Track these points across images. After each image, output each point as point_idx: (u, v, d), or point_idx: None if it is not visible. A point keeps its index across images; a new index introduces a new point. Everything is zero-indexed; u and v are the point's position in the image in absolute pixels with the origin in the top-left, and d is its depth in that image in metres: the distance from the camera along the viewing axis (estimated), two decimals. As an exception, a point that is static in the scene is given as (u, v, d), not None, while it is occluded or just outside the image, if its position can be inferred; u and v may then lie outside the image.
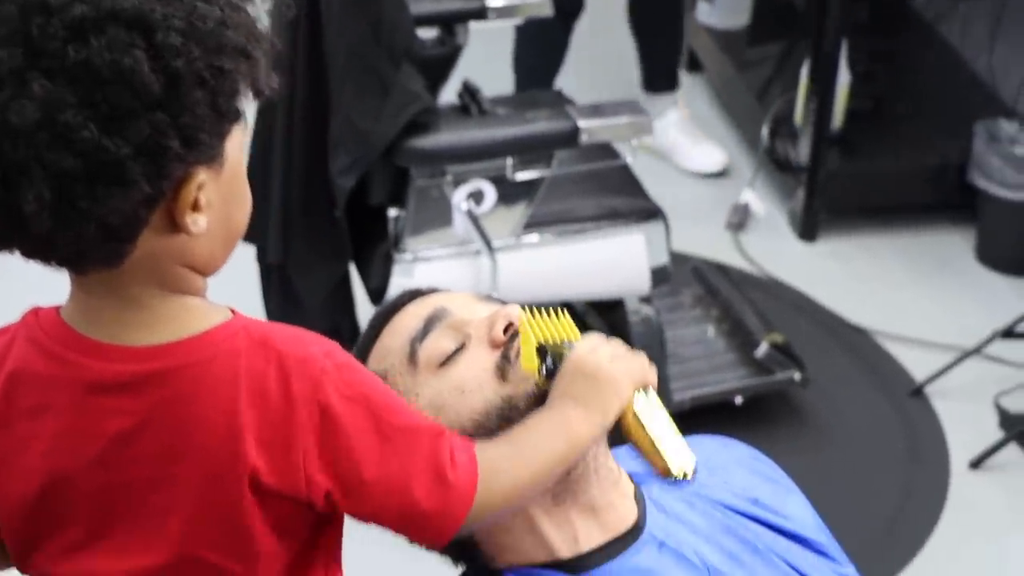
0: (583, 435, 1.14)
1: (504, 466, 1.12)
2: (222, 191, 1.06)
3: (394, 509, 1.08)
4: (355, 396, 1.07)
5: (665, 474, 1.16)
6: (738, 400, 2.99)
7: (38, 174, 0.97)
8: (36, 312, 1.11)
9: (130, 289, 1.05)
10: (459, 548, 1.30)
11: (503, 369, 1.25)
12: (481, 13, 2.90)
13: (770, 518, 1.33)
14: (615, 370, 1.16)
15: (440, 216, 2.71)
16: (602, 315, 3.06)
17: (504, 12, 2.91)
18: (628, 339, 2.93)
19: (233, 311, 1.11)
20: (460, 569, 1.31)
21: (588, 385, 1.15)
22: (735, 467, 1.38)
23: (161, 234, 1.04)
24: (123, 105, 0.97)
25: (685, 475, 1.15)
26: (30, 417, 1.08)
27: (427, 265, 2.71)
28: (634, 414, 1.17)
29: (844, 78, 3.53)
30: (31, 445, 1.08)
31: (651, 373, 1.18)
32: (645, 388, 1.18)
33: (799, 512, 1.36)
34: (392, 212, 2.71)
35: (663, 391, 2.88)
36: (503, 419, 1.23)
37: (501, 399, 1.24)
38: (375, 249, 2.78)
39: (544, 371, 1.21)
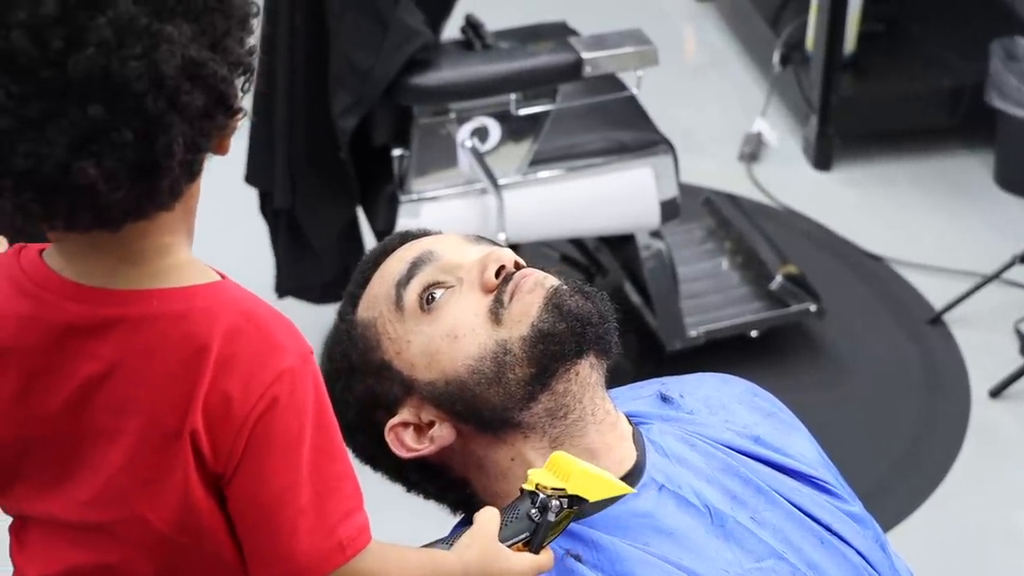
0: None
1: (390, 567, 1.06)
2: None
3: (268, 531, 1.02)
4: (304, 409, 1.02)
5: None
6: (753, 333, 2.96)
7: (175, 121, 0.95)
8: (19, 250, 1.07)
9: (147, 240, 1.01)
10: (456, 496, 1.28)
11: (496, 313, 1.22)
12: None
13: (772, 456, 1.29)
14: None
15: (445, 155, 2.67)
16: (613, 251, 3.02)
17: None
18: (640, 274, 2.89)
19: (223, 276, 1.07)
20: (458, 517, 1.29)
21: (473, 559, 1.09)
22: (735, 405, 1.34)
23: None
24: (220, 28, 0.97)
25: None
26: (2, 354, 1.05)
27: (433, 205, 2.67)
28: None
29: (855, 0, 3.46)
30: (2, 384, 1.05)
31: None
32: None
33: (802, 449, 1.33)
34: (396, 152, 2.67)
35: (676, 327, 2.88)
36: (498, 363, 1.20)
37: (495, 343, 1.21)
38: (381, 190, 2.75)
39: (518, 514, 1.12)
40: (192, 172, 1.00)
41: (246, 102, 1.04)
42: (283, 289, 2.83)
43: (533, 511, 1.12)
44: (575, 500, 1.12)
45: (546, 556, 1.13)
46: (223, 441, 1.01)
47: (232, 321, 1.02)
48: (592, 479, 1.13)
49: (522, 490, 1.14)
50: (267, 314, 1.04)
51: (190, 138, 0.96)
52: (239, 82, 1.00)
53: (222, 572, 1.07)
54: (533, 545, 1.12)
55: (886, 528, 2.56)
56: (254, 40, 1.02)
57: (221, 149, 1.03)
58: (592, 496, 1.13)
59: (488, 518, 1.11)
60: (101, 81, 0.92)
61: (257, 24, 1.02)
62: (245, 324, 1.02)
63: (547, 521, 1.11)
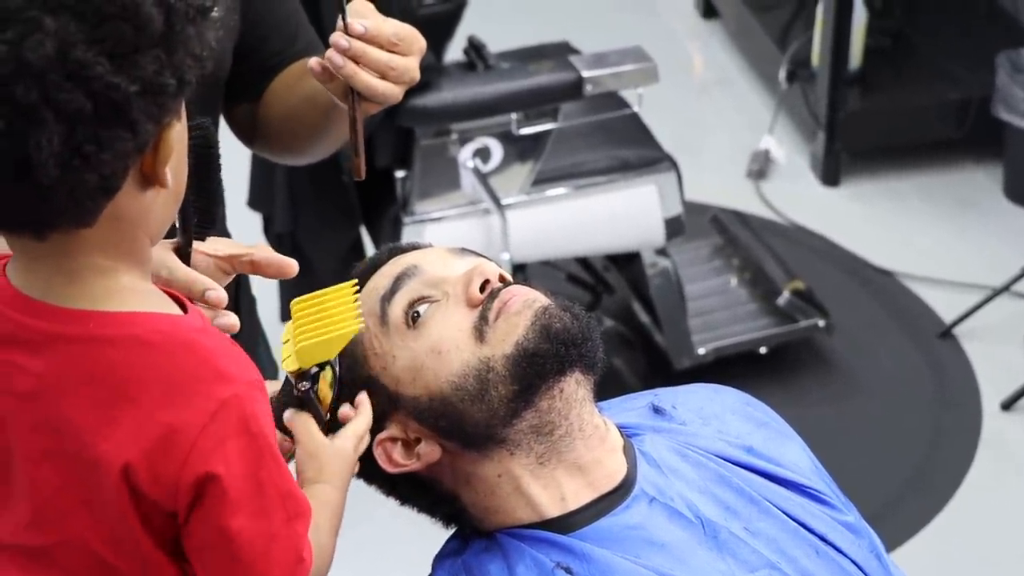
0: (342, 509, 1.15)
1: (322, 556, 1.08)
2: (180, 143, 1.01)
3: (243, 564, 1.01)
4: (260, 435, 1.00)
5: None
6: (762, 350, 2.94)
7: (48, 117, 0.92)
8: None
9: (78, 259, 0.99)
10: (446, 511, 1.27)
11: (480, 330, 1.21)
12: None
13: (765, 466, 1.28)
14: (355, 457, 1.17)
15: (447, 176, 2.67)
16: (620, 269, 3.01)
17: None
18: (646, 292, 2.88)
19: (186, 309, 1.04)
20: (450, 531, 1.28)
21: (340, 472, 1.15)
22: (728, 415, 1.33)
23: (131, 191, 0.98)
24: (127, 41, 0.94)
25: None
26: None
27: (437, 226, 2.67)
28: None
29: (860, 15, 3.45)
30: None
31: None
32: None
33: (796, 459, 1.31)
34: (399, 174, 2.67)
35: (684, 345, 2.86)
36: (481, 380, 1.19)
37: (479, 360, 1.20)
38: (385, 212, 2.75)
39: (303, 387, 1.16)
40: (105, 187, 0.96)
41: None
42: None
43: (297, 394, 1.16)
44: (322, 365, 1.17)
45: (357, 411, 1.18)
46: (166, 474, 0.98)
47: (171, 351, 0.99)
48: (318, 345, 1.16)
49: (287, 378, 1.18)
50: (212, 344, 1.01)
51: (71, 142, 0.93)
52: (152, 104, 0.95)
53: None
54: (329, 412, 1.16)
55: (897, 543, 2.54)
56: (193, 69, 0.98)
57: (156, 179, 0.99)
58: (331, 352, 1.16)
59: (302, 432, 1.14)
60: None
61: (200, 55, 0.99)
62: (185, 354, 0.99)
63: (309, 394, 1.15)
